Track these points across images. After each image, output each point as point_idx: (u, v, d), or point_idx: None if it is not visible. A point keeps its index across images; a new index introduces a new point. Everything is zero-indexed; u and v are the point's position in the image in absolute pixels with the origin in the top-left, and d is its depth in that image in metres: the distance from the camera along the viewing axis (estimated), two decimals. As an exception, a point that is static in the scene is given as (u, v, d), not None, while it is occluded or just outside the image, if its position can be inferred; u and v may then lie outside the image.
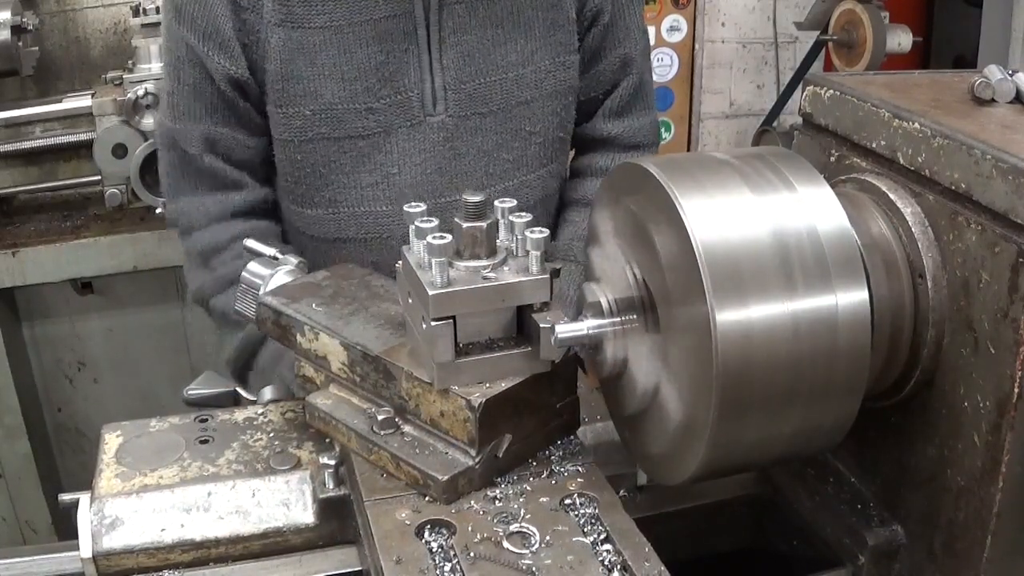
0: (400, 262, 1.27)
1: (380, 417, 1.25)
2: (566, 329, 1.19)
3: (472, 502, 1.18)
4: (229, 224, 1.83)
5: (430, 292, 1.16)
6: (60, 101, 3.06)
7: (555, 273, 1.22)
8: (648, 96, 2.06)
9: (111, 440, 1.37)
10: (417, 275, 1.20)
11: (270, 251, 1.55)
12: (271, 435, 1.39)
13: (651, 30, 3.74)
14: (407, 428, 1.25)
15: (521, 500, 1.18)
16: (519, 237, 1.21)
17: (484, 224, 1.21)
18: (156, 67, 2.94)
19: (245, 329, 1.79)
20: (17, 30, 2.91)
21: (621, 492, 1.31)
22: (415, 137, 1.78)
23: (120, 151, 2.91)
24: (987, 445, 1.12)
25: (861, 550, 1.29)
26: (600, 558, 1.09)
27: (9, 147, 3.06)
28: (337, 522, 1.28)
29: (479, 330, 1.22)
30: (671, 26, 4.02)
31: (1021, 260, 1.06)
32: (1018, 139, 1.13)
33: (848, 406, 1.14)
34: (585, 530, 1.13)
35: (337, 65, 1.71)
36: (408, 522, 1.15)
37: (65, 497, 1.28)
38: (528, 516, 1.15)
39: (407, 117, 1.76)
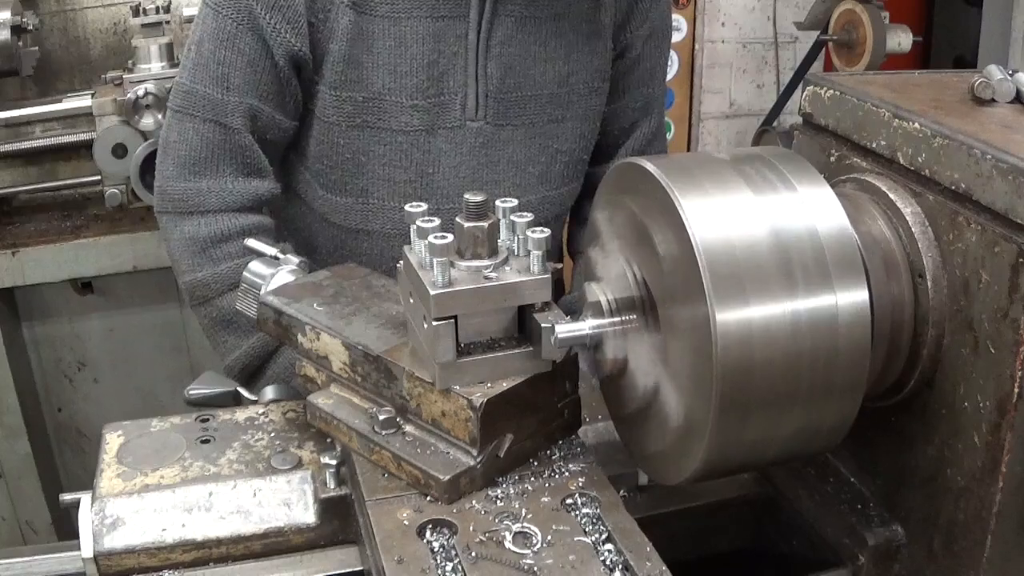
0: (401, 262, 1.27)
1: (381, 417, 1.25)
2: (566, 329, 1.19)
3: (474, 502, 1.18)
4: (238, 216, 1.80)
5: (431, 292, 1.16)
6: (60, 101, 3.05)
7: (556, 273, 1.22)
8: (664, 140, 2.11)
9: (112, 440, 1.37)
10: (419, 275, 1.20)
11: (271, 250, 1.56)
12: (272, 435, 1.39)
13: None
14: (408, 428, 1.25)
15: (522, 500, 1.18)
16: (520, 237, 1.22)
17: (485, 224, 1.21)
18: (156, 67, 2.94)
19: (254, 337, 1.78)
20: (17, 30, 2.90)
21: (622, 492, 1.31)
22: (454, 140, 1.81)
23: (120, 151, 2.90)
24: (987, 445, 1.12)
25: (861, 550, 1.29)
26: (602, 558, 1.09)
27: (9, 147, 3.05)
28: (338, 522, 1.28)
29: (480, 330, 1.22)
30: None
31: (1021, 260, 1.06)
32: (1018, 139, 1.13)
33: (848, 406, 1.14)
34: (587, 530, 1.13)
35: (391, 56, 1.74)
36: (409, 522, 1.15)
37: (66, 497, 1.28)
38: (529, 516, 1.15)
39: (449, 119, 1.79)
